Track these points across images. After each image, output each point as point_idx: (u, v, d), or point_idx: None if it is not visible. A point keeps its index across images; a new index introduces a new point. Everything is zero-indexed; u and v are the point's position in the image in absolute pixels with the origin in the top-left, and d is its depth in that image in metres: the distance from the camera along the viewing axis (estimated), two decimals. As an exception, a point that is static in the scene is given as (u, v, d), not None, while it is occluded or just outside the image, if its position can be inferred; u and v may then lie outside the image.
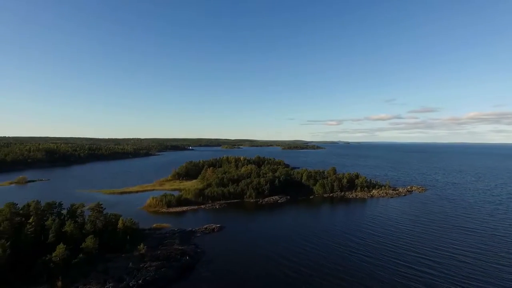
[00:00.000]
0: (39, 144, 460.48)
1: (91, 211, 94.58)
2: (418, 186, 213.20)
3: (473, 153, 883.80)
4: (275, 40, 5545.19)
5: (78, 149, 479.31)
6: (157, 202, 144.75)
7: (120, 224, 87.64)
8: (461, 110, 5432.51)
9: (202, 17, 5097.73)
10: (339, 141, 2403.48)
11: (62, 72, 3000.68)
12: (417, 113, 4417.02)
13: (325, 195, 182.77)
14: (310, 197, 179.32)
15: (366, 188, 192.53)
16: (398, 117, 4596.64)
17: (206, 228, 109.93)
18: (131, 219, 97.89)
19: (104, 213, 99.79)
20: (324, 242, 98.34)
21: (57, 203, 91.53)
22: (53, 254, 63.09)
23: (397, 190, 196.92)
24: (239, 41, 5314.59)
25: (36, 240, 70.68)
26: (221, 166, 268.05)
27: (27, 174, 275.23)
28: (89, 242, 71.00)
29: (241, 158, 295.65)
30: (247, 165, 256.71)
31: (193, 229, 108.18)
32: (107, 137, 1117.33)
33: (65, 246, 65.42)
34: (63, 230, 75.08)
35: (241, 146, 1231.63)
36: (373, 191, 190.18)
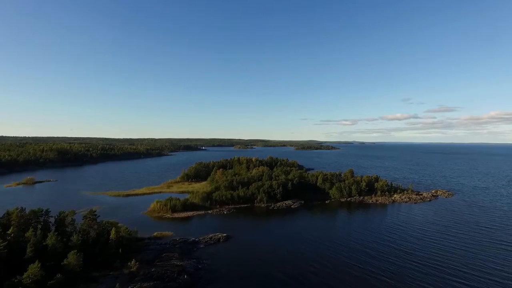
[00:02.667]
0: (53, 144, 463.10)
1: (83, 219, 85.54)
2: (444, 191, 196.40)
3: (496, 154, 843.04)
4: (288, 40, 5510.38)
5: (90, 149, 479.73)
6: (161, 207, 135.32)
7: (112, 235, 77.86)
8: (481, 109, 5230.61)
9: (214, 17, 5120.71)
10: (354, 141, 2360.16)
11: (77, 73, 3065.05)
12: (434, 113, 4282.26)
13: (342, 200, 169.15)
14: (326, 201, 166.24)
15: (386, 193, 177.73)
16: (415, 117, 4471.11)
17: (211, 237, 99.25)
18: (127, 228, 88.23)
19: (99, 220, 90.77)
20: (340, 259, 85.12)
21: (44, 210, 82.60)
22: (24, 275, 53.71)
23: (421, 194, 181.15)
24: (252, 41, 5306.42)
25: (10, 256, 61.55)
26: (232, 168, 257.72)
27: (39, 174, 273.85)
28: (72, 258, 61.35)
29: (253, 159, 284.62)
30: (259, 166, 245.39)
31: (197, 239, 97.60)
32: (122, 137, 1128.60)
33: (40, 264, 55.87)
34: (44, 244, 65.90)
35: (254, 146, 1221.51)
36: (395, 195, 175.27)
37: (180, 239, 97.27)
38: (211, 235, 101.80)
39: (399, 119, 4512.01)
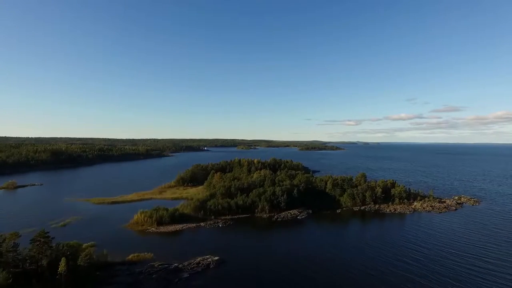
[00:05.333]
0: (48, 145, 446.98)
1: (31, 243, 66.51)
2: (468, 197, 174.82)
3: (505, 154, 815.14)
4: (292, 40, 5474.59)
5: (87, 150, 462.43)
6: (145, 219, 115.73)
7: (61, 267, 58.48)
8: (487, 109, 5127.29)
9: (216, 16, 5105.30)
10: (358, 141, 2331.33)
11: (79, 73, 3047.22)
12: (439, 113, 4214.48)
13: (355, 209, 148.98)
14: (337, 211, 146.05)
15: (405, 200, 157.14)
16: (420, 117, 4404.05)
17: (198, 263, 79.57)
18: (87, 253, 68.79)
19: (56, 242, 71.81)
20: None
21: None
22: None
23: (444, 202, 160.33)
24: (255, 41, 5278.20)
25: None
26: (231, 171, 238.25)
27: (28, 177, 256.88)
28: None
29: (255, 161, 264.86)
30: (261, 169, 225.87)
31: (180, 265, 77.83)
32: (124, 138, 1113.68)
33: None
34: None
35: (257, 147, 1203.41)
36: (415, 203, 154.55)
37: (159, 264, 77.69)
38: (199, 258, 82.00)
39: (403, 119, 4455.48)
